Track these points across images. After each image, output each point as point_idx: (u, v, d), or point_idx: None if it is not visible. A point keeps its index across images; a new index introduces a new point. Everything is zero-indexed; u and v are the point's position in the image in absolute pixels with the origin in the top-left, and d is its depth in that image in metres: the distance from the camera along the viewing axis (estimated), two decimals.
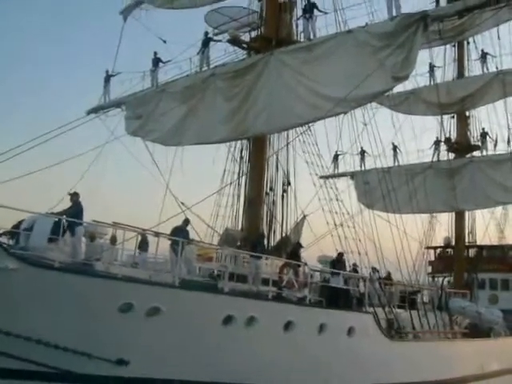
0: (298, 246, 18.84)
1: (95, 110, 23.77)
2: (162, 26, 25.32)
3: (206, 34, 21.67)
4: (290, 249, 19.32)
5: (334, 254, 18.90)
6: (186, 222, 15.10)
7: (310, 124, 19.66)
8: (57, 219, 12.10)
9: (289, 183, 21.59)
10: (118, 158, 28.07)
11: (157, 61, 23.23)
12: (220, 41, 21.43)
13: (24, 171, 18.29)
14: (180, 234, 14.23)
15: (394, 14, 17.25)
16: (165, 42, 24.12)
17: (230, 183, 21.47)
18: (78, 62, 77.15)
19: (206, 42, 21.41)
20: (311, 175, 19.82)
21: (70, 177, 20.34)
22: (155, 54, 23.32)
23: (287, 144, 21.05)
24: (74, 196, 12.81)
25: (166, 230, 15.25)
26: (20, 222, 12.45)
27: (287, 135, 21.09)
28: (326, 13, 19.60)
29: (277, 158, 21.47)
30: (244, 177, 21.09)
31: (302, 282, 16.07)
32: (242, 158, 21.50)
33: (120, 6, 25.07)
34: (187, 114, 20.59)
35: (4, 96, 68.52)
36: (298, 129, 20.15)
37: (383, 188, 23.59)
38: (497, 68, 31.43)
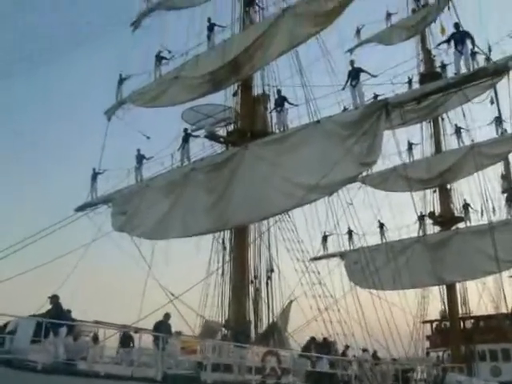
0: (312, 340, 19.19)
1: (83, 208, 24.54)
2: (143, 122, 26.65)
3: (186, 130, 22.70)
4: (304, 344, 19.62)
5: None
6: (167, 316, 15.44)
7: (289, 211, 20.28)
8: (39, 321, 12.49)
9: (272, 270, 21.98)
10: (105, 252, 28.70)
11: (140, 157, 24.30)
12: (198, 136, 22.42)
13: (14, 271, 18.91)
14: (162, 328, 14.57)
15: (358, 102, 18.28)
16: (148, 138, 25.19)
17: (216, 270, 21.87)
18: (67, 159, 79.23)
19: (186, 137, 22.47)
20: (292, 261, 20.28)
21: (62, 273, 20.89)
22: (138, 151, 24.41)
23: (268, 231, 21.60)
24: (54, 298, 13.34)
25: (153, 321, 15.68)
26: (5, 325, 12.86)
27: (268, 223, 21.67)
28: (296, 105, 20.68)
29: (259, 246, 21.98)
30: (228, 266, 21.51)
31: (287, 369, 16.21)
32: (224, 248, 21.99)
33: (104, 107, 26.45)
34: (171, 209, 21.28)
35: None
36: (278, 217, 20.80)
37: (372, 267, 23.97)
38: (472, 141, 32.66)
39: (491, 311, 35.10)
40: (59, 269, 21.59)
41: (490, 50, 25.68)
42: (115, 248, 22.78)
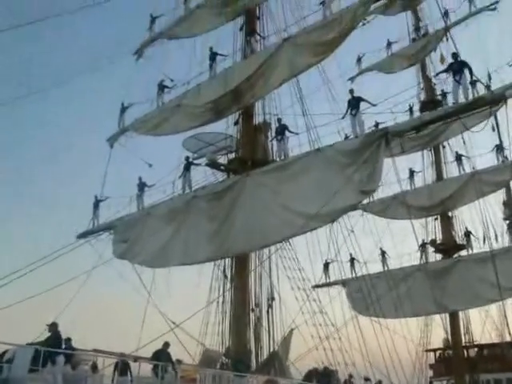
0: (314, 370, 19.37)
1: (85, 235, 24.60)
2: (145, 150, 26.88)
3: (187, 158, 22.78)
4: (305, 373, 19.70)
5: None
6: (166, 345, 15.37)
7: (290, 239, 20.26)
8: (37, 349, 12.43)
9: (273, 298, 21.87)
10: (106, 279, 28.78)
11: (142, 185, 24.41)
12: (200, 164, 22.51)
13: (15, 298, 18.94)
14: (162, 357, 14.50)
15: (358, 131, 18.37)
16: (150, 165, 25.27)
17: (217, 299, 21.78)
18: (70, 186, 79.73)
19: (188, 165, 22.56)
20: (293, 289, 20.23)
21: (64, 299, 20.92)
22: (140, 178, 24.55)
23: (269, 259, 21.55)
24: (52, 326, 13.30)
25: (153, 349, 15.61)
26: (4, 353, 12.80)
27: (269, 251, 21.60)
28: (296, 133, 20.76)
29: (260, 275, 21.90)
30: (229, 294, 21.41)
31: None
32: (225, 276, 21.90)
33: (107, 134, 26.71)
34: (172, 236, 21.25)
35: None
36: (279, 245, 20.79)
37: (373, 295, 23.86)
38: (473, 168, 32.80)
39: (495, 339, 34.96)
40: (60, 295, 21.64)
41: (489, 78, 26.09)
42: (116, 275, 22.85)
